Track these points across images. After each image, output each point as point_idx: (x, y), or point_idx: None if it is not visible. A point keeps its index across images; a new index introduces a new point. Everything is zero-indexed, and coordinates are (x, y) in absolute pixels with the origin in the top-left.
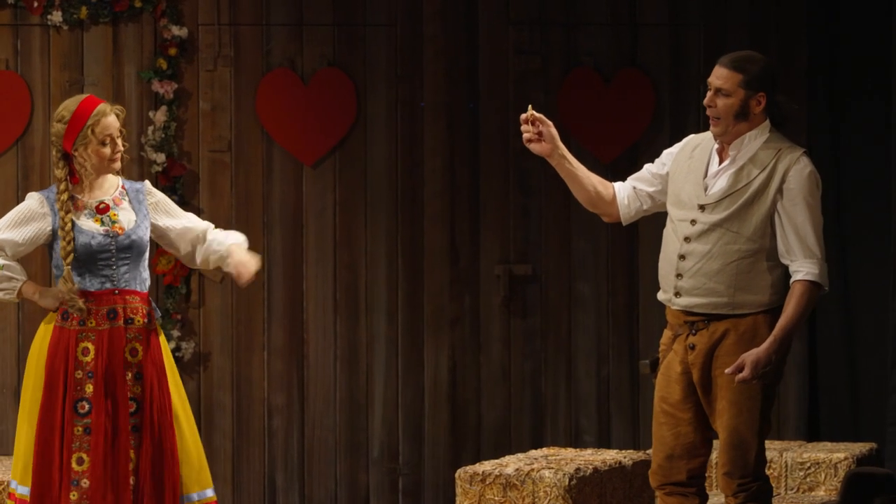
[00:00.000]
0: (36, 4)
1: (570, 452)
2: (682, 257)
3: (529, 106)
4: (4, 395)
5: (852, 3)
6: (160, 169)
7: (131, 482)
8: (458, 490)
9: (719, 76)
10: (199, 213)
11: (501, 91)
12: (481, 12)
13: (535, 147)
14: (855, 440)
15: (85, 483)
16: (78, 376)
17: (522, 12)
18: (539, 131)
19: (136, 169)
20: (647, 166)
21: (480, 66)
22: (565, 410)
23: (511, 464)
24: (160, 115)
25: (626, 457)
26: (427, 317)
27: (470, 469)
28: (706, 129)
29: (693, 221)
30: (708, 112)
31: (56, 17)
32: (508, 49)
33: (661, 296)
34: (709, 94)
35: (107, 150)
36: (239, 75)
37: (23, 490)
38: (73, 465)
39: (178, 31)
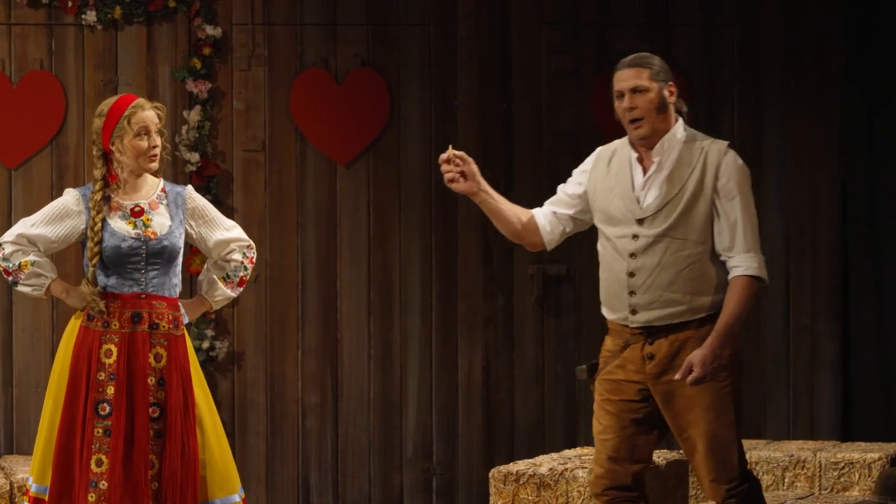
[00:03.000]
0: (70, 4)
1: None
2: (631, 274)
3: (450, 146)
4: (39, 393)
5: (887, 2)
6: (194, 168)
7: (153, 487)
8: (492, 490)
9: (628, 77)
10: (232, 212)
11: (535, 91)
12: (515, 13)
13: (457, 186)
14: (888, 440)
15: (103, 485)
16: (100, 378)
17: (556, 13)
18: (461, 171)
19: (170, 169)
20: (561, 188)
21: (514, 66)
22: None
23: (545, 463)
24: (194, 115)
25: (659, 457)
26: (461, 316)
27: (504, 469)
28: (740, 129)
29: (635, 236)
30: (628, 116)
31: (90, 16)
32: (542, 49)
33: (610, 315)
34: (625, 99)
35: (143, 143)
36: (273, 75)
37: (38, 488)
38: (93, 466)
39: (212, 31)
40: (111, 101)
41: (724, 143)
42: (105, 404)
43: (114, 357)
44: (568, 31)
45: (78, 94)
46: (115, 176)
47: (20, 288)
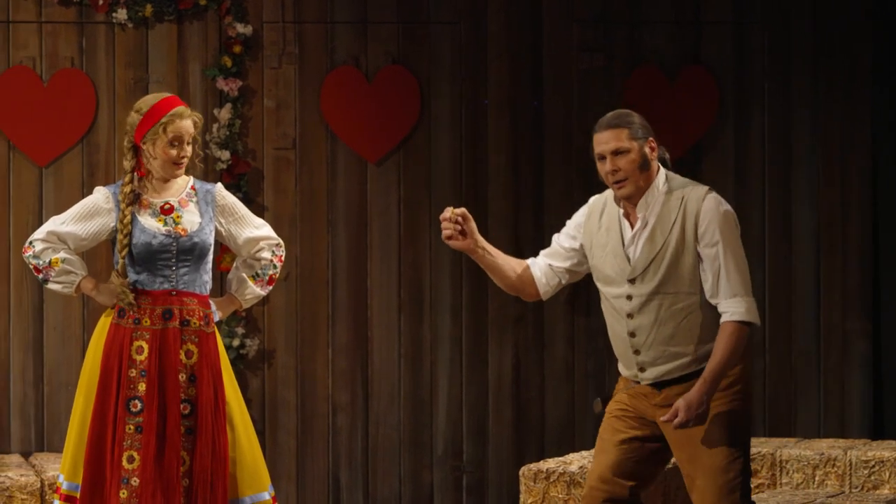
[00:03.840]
0: (101, 2)
1: None
2: (631, 334)
3: (450, 208)
4: (70, 391)
5: None
6: (224, 166)
7: (184, 484)
8: (522, 488)
9: (608, 139)
10: (263, 210)
11: (565, 89)
12: (545, 10)
13: (455, 244)
14: None
15: (135, 482)
16: (132, 374)
17: (586, 10)
18: (461, 229)
19: (200, 167)
20: (556, 238)
21: (544, 64)
22: None
23: (575, 461)
24: (225, 113)
25: None
26: (491, 315)
27: (534, 466)
28: (770, 127)
29: (629, 297)
30: (612, 178)
31: (121, 14)
32: (572, 47)
33: (623, 372)
34: (606, 162)
35: (173, 152)
36: (303, 73)
37: (69, 485)
38: (124, 462)
39: (242, 29)
40: (152, 100)
41: (703, 189)
42: (136, 401)
43: (145, 354)
44: (599, 28)
45: (109, 92)
46: (145, 170)
47: (50, 285)
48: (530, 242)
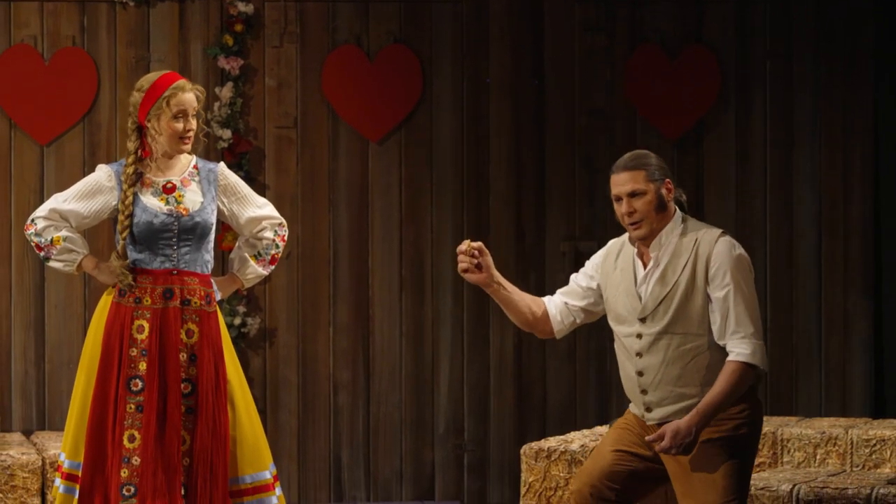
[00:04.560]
0: None
1: None
2: (640, 374)
3: (467, 241)
4: (71, 370)
5: None
6: (226, 145)
7: (185, 463)
8: (524, 466)
9: (625, 181)
10: (264, 189)
11: (567, 68)
12: None
13: (471, 277)
14: None
15: (136, 461)
16: (132, 353)
17: None
18: (477, 263)
19: (202, 145)
20: (573, 278)
21: (546, 43)
22: None
23: (576, 440)
24: (226, 92)
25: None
26: None
27: (535, 445)
28: (771, 107)
29: (639, 335)
30: (628, 220)
31: None
32: (574, 26)
33: (633, 410)
34: (623, 203)
35: (179, 126)
36: (305, 52)
37: (71, 464)
38: (125, 442)
39: (244, 8)
40: (153, 77)
41: (716, 232)
42: (137, 380)
43: (146, 333)
44: (600, 7)
45: (110, 71)
46: (149, 150)
47: (52, 263)
48: (533, 220)
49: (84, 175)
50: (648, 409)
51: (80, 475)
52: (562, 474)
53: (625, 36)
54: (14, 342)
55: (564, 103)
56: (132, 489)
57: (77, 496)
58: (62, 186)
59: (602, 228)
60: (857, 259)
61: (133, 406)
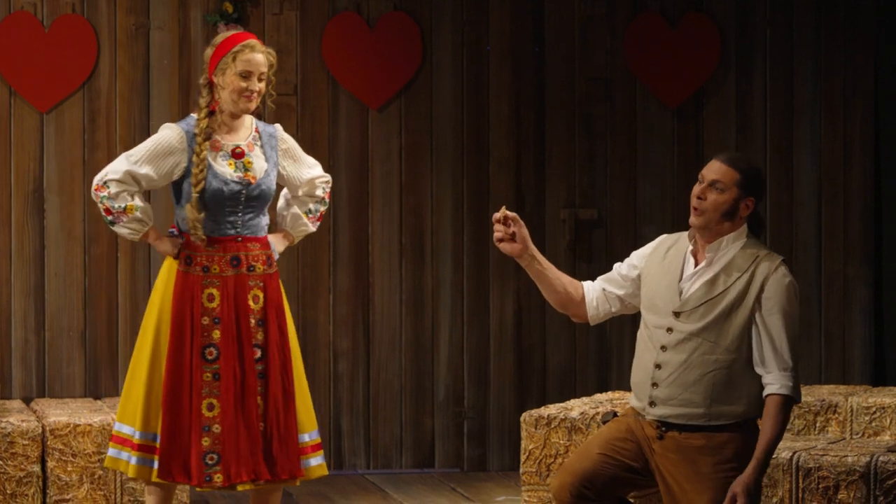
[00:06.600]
0: None
1: None
2: (658, 366)
3: (503, 207)
4: (71, 338)
5: None
6: None
7: (260, 427)
8: (524, 434)
9: (716, 170)
10: None
11: (567, 36)
12: None
13: (505, 247)
14: None
15: (217, 428)
16: (204, 322)
17: None
18: (512, 231)
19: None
20: (616, 266)
21: (546, 10)
22: (630, 354)
23: (576, 407)
24: None
25: None
26: (492, 261)
27: (535, 413)
28: (771, 74)
29: (669, 329)
30: (694, 202)
31: None
32: None
33: (634, 404)
34: (700, 185)
35: (242, 84)
36: (305, 19)
37: (143, 435)
38: (204, 410)
39: None
40: (227, 34)
41: (778, 258)
42: (212, 348)
43: (216, 301)
44: None
45: (110, 38)
46: (217, 104)
47: (117, 228)
48: (533, 188)
49: (83, 142)
50: (652, 404)
51: (157, 446)
52: (562, 441)
53: (625, 3)
54: (14, 309)
55: (564, 70)
56: (215, 457)
57: (156, 467)
58: (62, 154)
59: (602, 196)
60: (857, 226)
61: (209, 374)
